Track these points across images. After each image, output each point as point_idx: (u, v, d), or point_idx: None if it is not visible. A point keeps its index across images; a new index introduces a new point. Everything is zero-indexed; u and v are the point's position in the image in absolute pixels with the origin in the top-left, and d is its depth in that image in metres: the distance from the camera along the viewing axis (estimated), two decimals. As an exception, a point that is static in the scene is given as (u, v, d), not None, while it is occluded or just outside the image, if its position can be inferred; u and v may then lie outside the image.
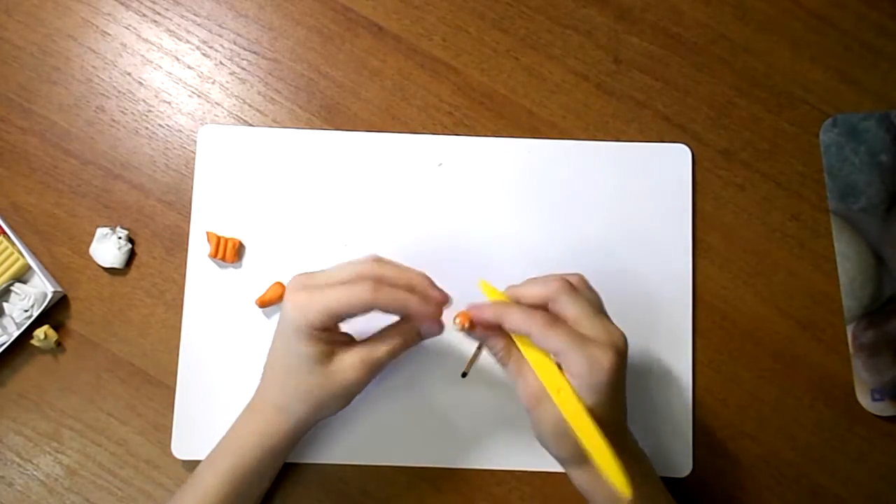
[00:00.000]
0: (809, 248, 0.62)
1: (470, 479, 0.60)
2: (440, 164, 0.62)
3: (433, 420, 0.60)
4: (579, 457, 0.48)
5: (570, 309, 0.49)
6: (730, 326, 0.62)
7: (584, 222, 0.62)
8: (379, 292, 0.48)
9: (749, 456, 0.61)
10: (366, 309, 0.49)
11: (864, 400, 0.61)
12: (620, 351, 0.48)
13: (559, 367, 0.48)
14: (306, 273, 0.52)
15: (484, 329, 0.50)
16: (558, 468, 0.52)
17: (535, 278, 0.51)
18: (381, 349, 0.51)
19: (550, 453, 0.51)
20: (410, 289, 0.50)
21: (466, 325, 0.49)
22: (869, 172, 0.62)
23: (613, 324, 0.50)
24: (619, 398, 0.49)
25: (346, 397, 0.52)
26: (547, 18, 0.65)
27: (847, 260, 0.62)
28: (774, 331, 0.62)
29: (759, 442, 0.61)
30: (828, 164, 0.63)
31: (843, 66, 0.64)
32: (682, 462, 0.60)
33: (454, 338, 0.55)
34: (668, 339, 0.61)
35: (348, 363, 0.50)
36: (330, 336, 0.51)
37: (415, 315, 0.51)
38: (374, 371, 0.51)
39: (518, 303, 0.50)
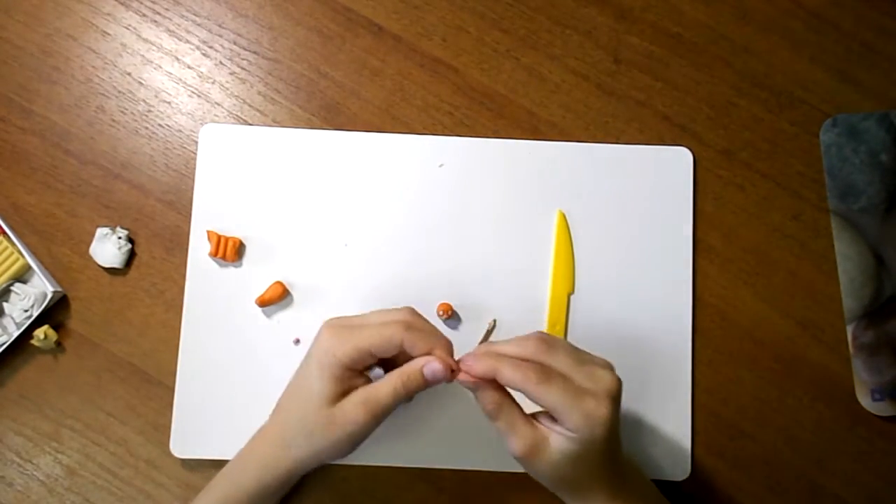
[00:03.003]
0: (809, 248, 0.62)
1: (470, 479, 0.60)
2: (441, 165, 0.62)
3: (433, 420, 0.60)
4: (578, 493, 0.51)
5: (558, 362, 0.49)
6: (730, 326, 0.62)
7: (584, 223, 0.62)
8: (408, 333, 0.50)
9: (749, 456, 0.61)
10: (394, 348, 0.50)
11: (864, 400, 0.61)
12: (615, 397, 0.49)
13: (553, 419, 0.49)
14: (340, 317, 0.53)
15: (476, 381, 0.50)
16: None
17: (509, 340, 0.51)
18: (382, 390, 0.51)
19: (551, 490, 0.52)
20: (437, 341, 0.51)
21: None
22: (869, 172, 0.62)
23: (603, 366, 0.50)
24: (616, 437, 0.50)
25: (346, 440, 0.51)
26: (547, 18, 0.65)
27: (847, 260, 0.62)
28: (774, 331, 0.62)
29: (759, 442, 0.61)
30: (828, 164, 0.63)
31: (843, 66, 0.64)
32: (681, 463, 0.60)
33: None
34: (668, 340, 0.61)
35: (350, 403, 0.50)
36: (349, 380, 0.51)
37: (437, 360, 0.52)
38: (376, 413, 0.50)
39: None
